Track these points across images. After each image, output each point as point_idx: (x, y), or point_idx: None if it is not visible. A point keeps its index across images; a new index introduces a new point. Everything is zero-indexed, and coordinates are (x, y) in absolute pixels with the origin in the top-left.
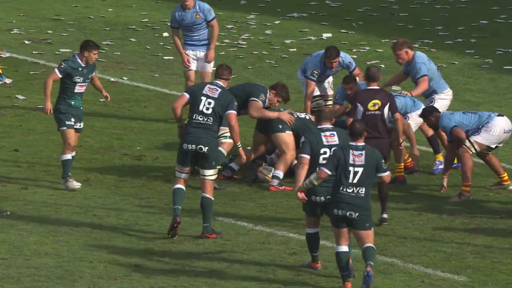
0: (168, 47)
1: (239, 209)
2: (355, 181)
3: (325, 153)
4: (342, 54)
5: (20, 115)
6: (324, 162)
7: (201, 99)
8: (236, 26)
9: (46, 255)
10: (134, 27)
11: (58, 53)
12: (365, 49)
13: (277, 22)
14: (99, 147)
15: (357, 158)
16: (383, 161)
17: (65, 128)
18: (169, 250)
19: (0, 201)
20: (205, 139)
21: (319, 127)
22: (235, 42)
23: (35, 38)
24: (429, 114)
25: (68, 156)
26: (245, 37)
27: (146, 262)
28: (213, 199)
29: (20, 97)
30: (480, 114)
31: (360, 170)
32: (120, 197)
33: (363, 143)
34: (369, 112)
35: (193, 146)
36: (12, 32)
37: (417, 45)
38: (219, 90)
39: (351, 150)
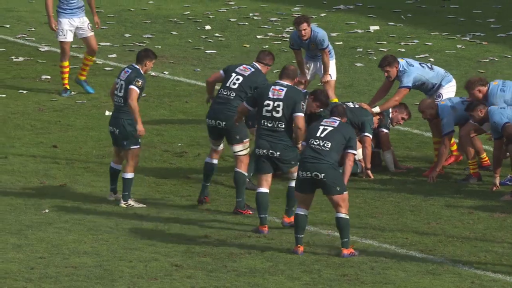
0: (210, 41)
1: (284, 207)
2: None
3: (268, 105)
4: (317, 29)
5: (59, 110)
6: (267, 114)
7: (231, 75)
8: (280, 19)
9: (85, 254)
10: (175, 20)
11: (98, 46)
12: (413, 42)
13: (323, 14)
14: None
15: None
16: None
17: (139, 146)
18: (210, 249)
19: (39, 199)
20: (224, 115)
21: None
22: (279, 36)
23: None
24: (477, 107)
25: (133, 174)
26: (289, 30)
27: (187, 262)
28: (245, 173)
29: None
30: None
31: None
32: (160, 195)
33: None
34: None
35: (213, 121)
36: None
37: (467, 38)
38: (252, 70)
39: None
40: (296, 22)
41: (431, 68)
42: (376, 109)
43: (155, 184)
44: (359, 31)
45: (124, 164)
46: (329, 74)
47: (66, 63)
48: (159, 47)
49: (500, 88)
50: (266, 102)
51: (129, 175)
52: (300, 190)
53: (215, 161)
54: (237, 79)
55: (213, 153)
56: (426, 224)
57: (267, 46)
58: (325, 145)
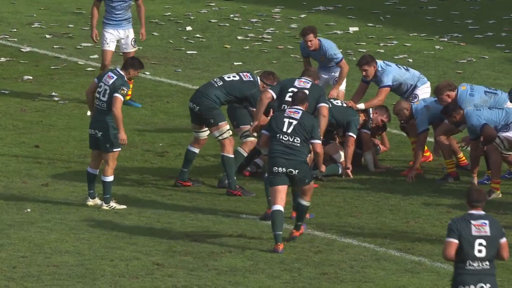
0: (191, 41)
1: (264, 207)
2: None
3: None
4: (326, 43)
5: (41, 110)
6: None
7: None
8: (261, 20)
9: (67, 253)
10: (156, 20)
11: (79, 47)
12: (392, 43)
13: (302, 15)
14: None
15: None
16: None
17: (119, 149)
18: (191, 248)
19: (21, 198)
20: (199, 99)
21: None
22: (260, 36)
23: (56, 32)
24: (453, 112)
25: (112, 177)
26: (270, 31)
27: (168, 261)
28: (231, 156)
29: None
30: (507, 110)
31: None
32: (142, 195)
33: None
34: None
35: (190, 103)
36: (32, 26)
37: (445, 39)
38: (250, 79)
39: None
40: (302, 33)
41: (407, 70)
42: (361, 106)
43: (136, 183)
44: (339, 32)
45: (103, 167)
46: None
47: None
48: (141, 47)
49: (469, 93)
50: (291, 89)
51: (109, 178)
52: (276, 183)
53: (195, 150)
54: (234, 76)
55: (195, 141)
56: (405, 223)
57: (247, 47)
58: (295, 141)
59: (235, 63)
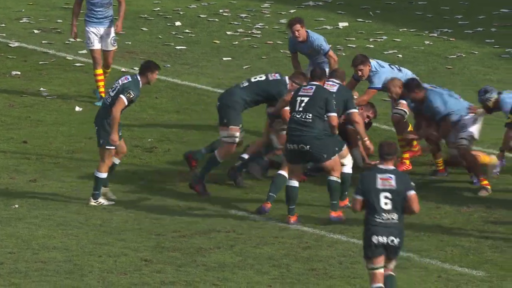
0: (180, 37)
1: (252, 202)
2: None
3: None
4: (314, 35)
5: (29, 106)
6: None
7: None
8: (250, 15)
9: (55, 249)
10: (145, 16)
11: (68, 42)
12: (382, 38)
13: (292, 11)
14: None
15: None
16: None
17: (114, 147)
18: (180, 244)
19: (8, 194)
20: (222, 96)
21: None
22: (249, 32)
23: (45, 27)
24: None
25: (105, 174)
26: (259, 27)
27: (156, 257)
28: (219, 161)
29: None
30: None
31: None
32: (130, 190)
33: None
34: None
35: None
36: (21, 21)
37: (435, 35)
38: (278, 78)
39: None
40: (289, 24)
41: (400, 70)
42: None
43: (125, 179)
44: (328, 27)
45: (98, 163)
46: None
47: (99, 71)
48: (129, 43)
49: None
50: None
51: (102, 174)
52: (290, 161)
53: (244, 155)
54: (260, 77)
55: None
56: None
57: (237, 42)
58: (307, 117)
59: (224, 59)
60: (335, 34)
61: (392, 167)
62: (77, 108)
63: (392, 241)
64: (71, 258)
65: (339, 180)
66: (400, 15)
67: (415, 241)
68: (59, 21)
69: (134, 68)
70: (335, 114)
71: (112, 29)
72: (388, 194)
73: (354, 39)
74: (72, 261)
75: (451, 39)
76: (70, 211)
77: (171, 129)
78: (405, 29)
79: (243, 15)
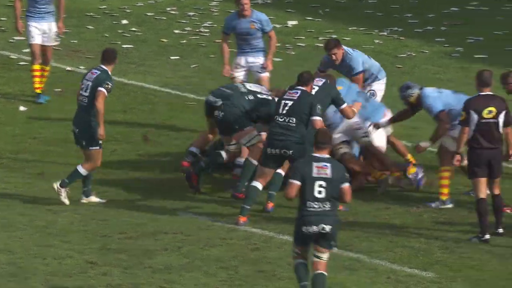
0: (127, 35)
1: (200, 203)
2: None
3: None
4: (352, 52)
5: None
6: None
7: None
8: (198, 13)
9: None
10: (91, 14)
11: (12, 41)
12: (331, 37)
13: None
14: (54, 139)
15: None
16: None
17: (98, 148)
18: (126, 246)
19: None
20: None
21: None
22: (197, 30)
23: None
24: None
25: (86, 172)
26: (207, 25)
27: (102, 259)
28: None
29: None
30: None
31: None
32: (76, 191)
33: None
34: (484, 120)
35: None
36: None
37: (385, 33)
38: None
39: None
40: (326, 47)
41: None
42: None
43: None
44: (277, 25)
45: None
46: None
47: (36, 66)
48: (75, 41)
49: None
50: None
51: (83, 171)
52: (264, 164)
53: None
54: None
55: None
56: (342, 220)
57: (184, 41)
58: (290, 121)
59: (171, 58)
60: (284, 33)
61: (327, 156)
62: (21, 108)
63: (323, 228)
64: (15, 261)
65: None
66: (349, 14)
67: (365, 242)
68: (3, 19)
69: (80, 67)
70: (319, 118)
71: (54, 24)
72: (322, 183)
73: (303, 37)
74: (16, 264)
75: (401, 38)
76: (14, 212)
77: (117, 129)
78: (355, 28)
79: (191, 14)
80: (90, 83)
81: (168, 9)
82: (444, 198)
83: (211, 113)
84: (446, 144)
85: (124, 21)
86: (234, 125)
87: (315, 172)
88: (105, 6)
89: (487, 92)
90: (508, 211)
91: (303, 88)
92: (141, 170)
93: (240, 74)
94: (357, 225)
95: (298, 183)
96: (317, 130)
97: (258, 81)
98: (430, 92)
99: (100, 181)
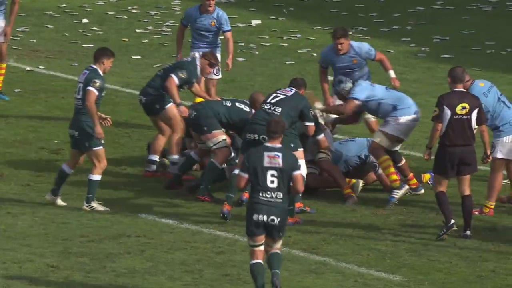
0: (88, 34)
1: (163, 206)
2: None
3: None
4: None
5: None
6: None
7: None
8: (160, 12)
9: None
10: (51, 12)
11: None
12: (296, 36)
13: None
14: (14, 140)
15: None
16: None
17: (101, 147)
18: (88, 249)
19: None
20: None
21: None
22: (159, 29)
23: None
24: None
25: (99, 177)
26: (169, 24)
27: (63, 262)
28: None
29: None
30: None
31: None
32: (36, 194)
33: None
34: (457, 116)
35: None
36: None
37: (351, 33)
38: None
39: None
40: (334, 35)
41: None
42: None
43: (31, 182)
44: (241, 25)
45: (90, 166)
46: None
47: None
48: (34, 40)
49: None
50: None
51: (96, 177)
52: (243, 151)
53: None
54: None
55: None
56: (309, 223)
57: (146, 41)
58: (276, 110)
59: (133, 57)
60: (247, 32)
61: (279, 145)
62: None
63: (273, 220)
64: None
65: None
66: (314, 13)
67: (331, 245)
68: None
69: (39, 67)
70: (312, 124)
71: (3, 21)
72: (274, 172)
73: (267, 37)
74: None
75: (366, 37)
76: None
77: None
78: (319, 27)
79: (153, 12)
80: (81, 85)
81: (130, 8)
82: (398, 184)
83: (150, 113)
84: (377, 140)
85: (85, 20)
86: (203, 126)
87: (266, 162)
88: (64, 5)
89: (460, 88)
90: (476, 213)
91: (297, 90)
92: (103, 172)
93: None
94: (324, 228)
95: (246, 176)
96: (270, 120)
97: (207, 82)
98: (363, 83)
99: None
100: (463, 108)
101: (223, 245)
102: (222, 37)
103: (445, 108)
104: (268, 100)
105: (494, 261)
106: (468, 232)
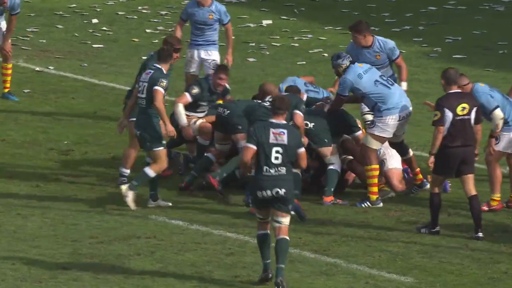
0: (98, 34)
1: (173, 207)
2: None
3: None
4: (382, 39)
5: None
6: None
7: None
8: (170, 12)
9: None
10: (61, 13)
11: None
12: (307, 37)
13: None
14: (23, 141)
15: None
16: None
17: (163, 148)
18: (98, 250)
19: None
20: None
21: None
22: (170, 30)
23: None
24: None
25: (154, 174)
26: None
27: (73, 264)
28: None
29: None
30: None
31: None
32: (45, 195)
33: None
34: (459, 117)
35: None
36: None
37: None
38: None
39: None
40: (352, 28)
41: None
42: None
43: (40, 183)
44: (252, 25)
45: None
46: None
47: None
48: (44, 41)
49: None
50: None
51: (151, 172)
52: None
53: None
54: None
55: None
56: (320, 224)
57: (156, 41)
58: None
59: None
60: (258, 32)
61: (284, 122)
62: None
63: (277, 192)
64: None
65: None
66: (325, 13)
67: (342, 246)
68: None
69: (49, 67)
70: (300, 113)
71: (3, 22)
72: (279, 149)
73: (278, 37)
74: None
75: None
76: None
77: (88, 131)
78: (331, 27)
79: (163, 12)
80: (146, 84)
81: (140, 8)
82: (374, 197)
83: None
84: (367, 143)
85: (95, 20)
86: (236, 125)
87: (272, 138)
88: (74, 5)
89: (455, 89)
90: (485, 208)
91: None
92: (113, 173)
93: (194, 69)
94: (335, 229)
95: (254, 147)
96: (275, 96)
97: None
98: (356, 68)
99: (70, 184)
100: (464, 108)
101: (233, 247)
102: (223, 43)
103: (446, 110)
104: (267, 98)
105: (506, 262)
106: (480, 234)
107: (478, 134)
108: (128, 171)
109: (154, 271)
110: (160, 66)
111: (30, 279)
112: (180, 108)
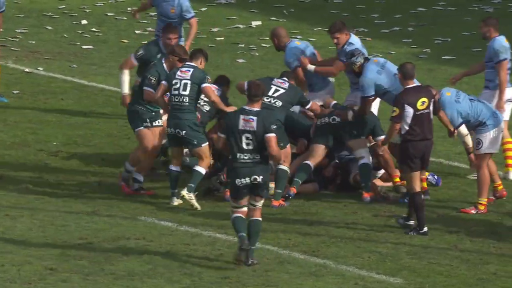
0: (87, 36)
1: (163, 208)
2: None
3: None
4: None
5: None
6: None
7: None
8: None
9: None
10: (50, 14)
11: None
12: (297, 38)
13: (203, 9)
14: (12, 142)
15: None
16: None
17: (207, 143)
18: (87, 252)
19: None
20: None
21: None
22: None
23: None
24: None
25: (205, 170)
26: None
27: (62, 265)
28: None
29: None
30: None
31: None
32: (34, 196)
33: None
34: (419, 112)
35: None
36: None
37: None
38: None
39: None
40: (329, 30)
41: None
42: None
43: (29, 184)
44: (241, 26)
45: (197, 161)
46: None
47: None
48: (33, 42)
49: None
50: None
51: (202, 169)
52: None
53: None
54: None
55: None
56: (309, 225)
57: (145, 42)
58: (276, 103)
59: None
60: (248, 33)
61: (256, 109)
62: None
63: (255, 179)
64: None
65: (288, 170)
66: (314, 14)
67: (332, 247)
68: None
69: (38, 68)
70: (311, 103)
71: None
72: (249, 135)
73: (267, 38)
74: None
75: (367, 38)
76: None
77: (77, 132)
78: (320, 28)
79: (153, 14)
80: (188, 82)
81: (129, 9)
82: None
83: None
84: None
85: (84, 21)
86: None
87: (241, 125)
88: (64, 6)
89: (413, 84)
90: (472, 211)
91: (288, 80)
92: (102, 174)
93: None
94: (324, 230)
95: (222, 136)
96: (249, 83)
97: None
98: (373, 66)
99: (60, 185)
100: (423, 103)
101: (222, 248)
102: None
103: (406, 106)
104: (270, 94)
105: (495, 263)
106: (410, 222)
107: (444, 118)
108: (136, 172)
109: (143, 272)
110: (195, 64)
111: (19, 280)
112: (125, 76)
